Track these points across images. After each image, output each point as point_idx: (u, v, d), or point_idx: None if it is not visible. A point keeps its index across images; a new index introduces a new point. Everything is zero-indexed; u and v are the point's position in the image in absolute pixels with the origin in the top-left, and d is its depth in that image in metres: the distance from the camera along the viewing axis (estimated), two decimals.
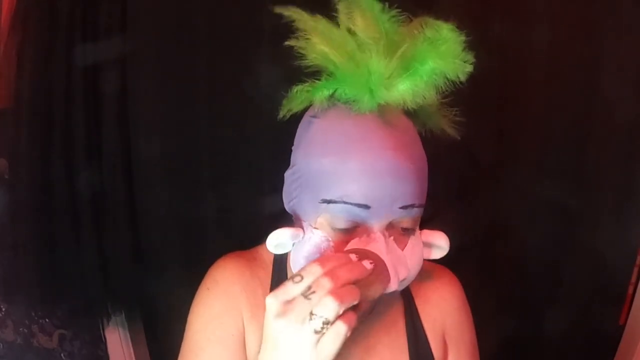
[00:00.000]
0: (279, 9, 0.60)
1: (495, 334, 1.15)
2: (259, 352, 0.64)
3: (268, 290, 0.71)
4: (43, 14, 1.00)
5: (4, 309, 1.05)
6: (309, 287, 0.48)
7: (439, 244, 0.64)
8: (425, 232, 0.63)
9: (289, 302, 0.48)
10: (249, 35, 1.09)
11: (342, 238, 0.59)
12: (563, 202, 1.18)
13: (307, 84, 0.61)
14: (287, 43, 0.60)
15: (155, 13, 1.09)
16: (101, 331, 1.26)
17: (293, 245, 0.62)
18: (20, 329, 1.08)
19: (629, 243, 1.22)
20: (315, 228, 0.60)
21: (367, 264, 0.51)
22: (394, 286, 0.56)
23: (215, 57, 1.12)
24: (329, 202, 0.57)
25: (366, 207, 0.57)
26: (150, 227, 1.18)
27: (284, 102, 0.63)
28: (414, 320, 0.73)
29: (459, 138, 0.66)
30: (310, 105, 0.64)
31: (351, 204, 0.57)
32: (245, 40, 1.09)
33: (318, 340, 0.47)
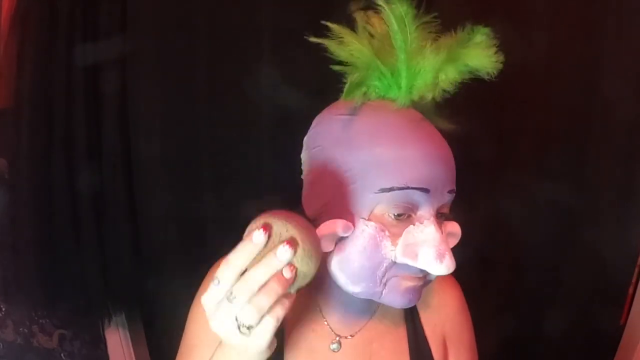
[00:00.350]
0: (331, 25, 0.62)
1: (495, 334, 1.15)
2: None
3: None
4: (43, 14, 1.00)
5: (4, 309, 1.05)
6: (231, 292, 0.49)
7: (457, 232, 0.66)
8: (446, 222, 0.65)
9: (218, 303, 0.50)
10: (249, 35, 1.09)
11: (397, 227, 0.59)
12: (563, 202, 1.18)
13: (357, 76, 0.62)
14: (318, 40, 0.61)
15: (155, 13, 1.09)
16: (101, 331, 1.26)
17: (336, 244, 0.60)
18: (20, 329, 1.08)
19: (629, 243, 1.22)
20: (368, 220, 0.59)
21: (284, 250, 0.49)
22: (449, 269, 0.58)
23: (215, 57, 1.12)
24: (389, 189, 0.58)
25: (426, 190, 0.58)
26: (150, 227, 1.18)
27: (346, 90, 0.64)
28: (415, 326, 0.73)
29: (452, 128, 0.67)
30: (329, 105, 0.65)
31: (414, 188, 0.58)
32: (245, 40, 1.09)
33: (249, 335, 0.49)
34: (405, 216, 0.59)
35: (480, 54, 0.62)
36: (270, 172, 1.14)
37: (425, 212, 0.59)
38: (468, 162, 1.17)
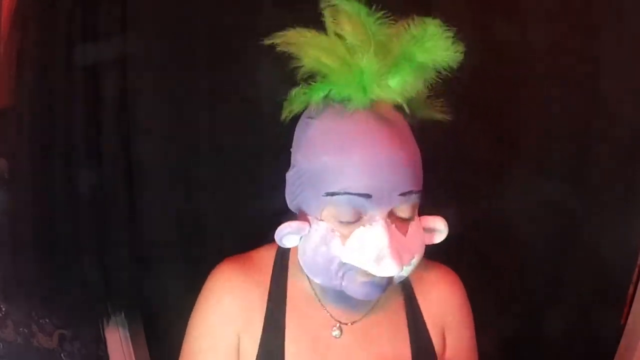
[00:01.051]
0: (267, 41, 0.65)
1: (495, 334, 1.15)
2: (254, 355, 0.69)
3: (266, 294, 0.73)
4: (43, 14, 1.00)
5: (4, 309, 1.05)
6: None
7: (439, 228, 0.67)
8: (425, 217, 0.67)
9: None
10: (249, 35, 1.09)
11: (346, 228, 0.62)
12: (563, 202, 1.18)
13: (304, 87, 0.64)
14: (279, 48, 0.64)
15: (155, 13, 1.09)
16: (101, 331, 1.26)
17: (300, 239, 0.65)
18: (20, 329, 1.08)
19: (629, 243, 1.22)
20: (320, 220, 0.63)
21: None
22: (398, 271, 0.61)
23: (215, 57, 1.12)
24: (332, 194, 0.61)
25: (368, 196, 0.60)
26: (150, 227, 1.17)
27: (285, 104, 0.66)
28: (415, 315, 0.75)
29: (446, 122, 0.68)
30: (306, 108, 0.67)
31: (353, 194, 0.61)
32: (245, 40, 1.09)
33: None
34: (356, 217, 0.62)
35: (435, 48, 0.61)
36: (270, 172, 1.14)
37: (377, 214, 0.61)
38: (468, 162, 1.18)
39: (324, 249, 0.63)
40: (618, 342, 1.27)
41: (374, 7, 0.63)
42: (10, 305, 1.05)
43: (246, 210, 1.15)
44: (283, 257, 0.75)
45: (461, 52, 0.62)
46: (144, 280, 1.18)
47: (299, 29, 0.64)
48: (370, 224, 0.61)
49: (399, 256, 0.61)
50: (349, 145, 0.61)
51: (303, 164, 0.65)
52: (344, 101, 0.63)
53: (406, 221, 0.64)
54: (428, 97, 0.67)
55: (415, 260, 0.65)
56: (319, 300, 0.73)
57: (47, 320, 1.14)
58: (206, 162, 1.17)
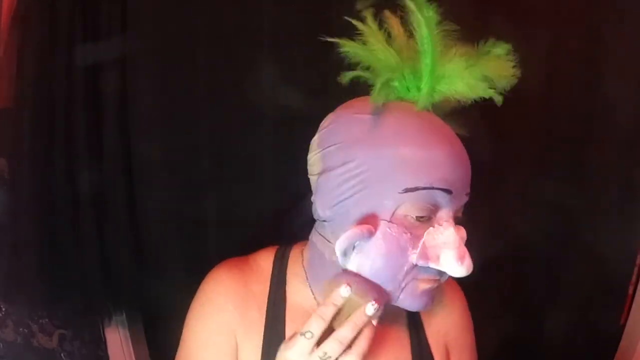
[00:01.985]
0: (349, 19, 0.63)
1: (495, 334, 1.15)
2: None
3: (265, 304, 0.71)
4: (43, 13, 1.00)
5: (4, 309, 1.05)
6: (325, 352, 0.54)
7: (464, 236, 0.66)
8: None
9: (308, 355, 0.54)
10: (250, 35, 1.09)
11: (416, 229, 0.60)
12: (563, 201, 1.18)
13: (385, 78, 0.62)
14: (342, 48, 0.63)
15: (155, 13, 1.09)
16: (101, 331, 1.26)
17: (354, 247, 0.60)
18: (20, 329, 1.08)
19: (629, 243, 1.22)
20: (386, 221, 0.59)
21: (372, 308, 0.56)
22: (468, 270, 0.60)
23: (216, 57, 1.12)
24: (414, 189, 0.58)
25: (449, 192, 0.60)
26: (150, 227, 1.17)
27: (376, 92, 0.62)
28: (417, 331, 0.73)
29: (464, 134, 0.68)
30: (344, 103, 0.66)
31: (438, 188, 0.59)
32: (246, 40, 1.10)
33: None
34: (426, 218, 0.60)
35: (498, 66, 0.63)
36: (270, 172, 1.14)
37: (445, 213, 0.61)
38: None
39: (395, 254, 0.59)
40: (618, 342, 1.27)
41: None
42: (10, 305, 1.05)
43: (246, 211, 1.15)
44: (281, 264, 0.73)
45: (518, 77, 0.65)
46: (144, 280, 1.18)
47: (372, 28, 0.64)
48: (440, 224, 0.60)
49: (465, 258, 0.60)
50: (430, 140, 0.60)
51: (365, 160, 0.60)
52: (404, 99, 0.64)
53: (456, 224, 0.63)
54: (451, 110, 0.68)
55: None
56: None
57: (47, 320, 1.14)
58: (206, 162, 1.17)
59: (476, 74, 0.63)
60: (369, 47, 0.63)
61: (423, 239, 0.59)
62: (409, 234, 0.59)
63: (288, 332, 0.69)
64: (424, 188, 0.58)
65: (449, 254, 0.59)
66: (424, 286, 0.61)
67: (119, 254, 1.14)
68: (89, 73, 1.05)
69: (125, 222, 1.14)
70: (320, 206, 0.64)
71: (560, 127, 1.17)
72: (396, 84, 0.64)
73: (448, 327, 0.76)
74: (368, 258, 0.59)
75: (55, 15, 1.00)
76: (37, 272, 1.06)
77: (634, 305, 1.25)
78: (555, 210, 1.20)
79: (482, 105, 1.15)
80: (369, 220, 0.59)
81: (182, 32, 1.11)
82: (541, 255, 1.24)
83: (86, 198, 1.08)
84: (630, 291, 1.26)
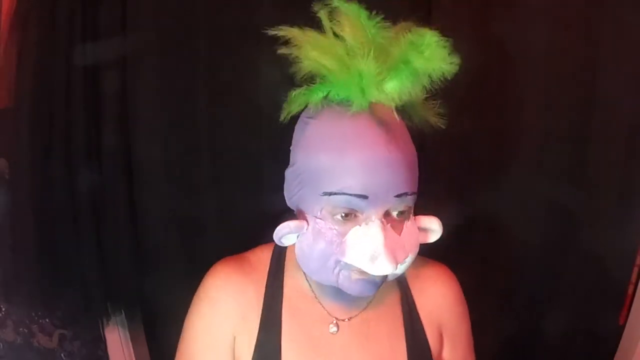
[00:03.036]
0: (272, 31, 0.65)
1: (495, 333, 1.15)
2: (251, 354, 0.70)
3: (262, 294, 0.74)
4: (43, 13, 1.00)
5: (4, 309, 1.05)
6: None
7: (433, 228, 0.69)
8: (419, 217, 0.68)
9: None
10: (249, 35, 1.09)
11: (343, 226, 0.64)
12: (563, 202, 1.18)
13: (303, 88, 0.65)
14: (280, 51, 0.65)
15: (155, 13, 1.09)
16: (101, 331, 1.26)
17: (298, 237, 0.67)
18: (20, 329, 1.08)
19: (628, 243, 1.22)
20: (318, 218, 0.64)
21: None
22: (392, 270, 0.62)
23: (215, 57, 1.12)
24: (330, 194, 0.63)
25: (364, 197, 0.62)
26: (150, 227, 1.18)
27: (284, 105, 0.67)
28: (410, 311, 0.76)
29: (444, 127, 0.69)
30: (306, 107, 0.68)
31: (350, 194, 0.62)
32: (246, 40, 1.09)
33: None
34: (352, 216, 0.63)
35: (433, 57, 0.62)
36: (270, 172, 1.14)
37: (373, 213, 0.63)
38: (468, 162, 1.18)
39: (321, 247, 0.64)
40: (618, 342, 1.27)
41: (373, 10, 0.64)
42: (10, 305, 1.05)
43: (246, 210, 1.15)
44: (280, 256, 0.76)
45: (457, 64, 0.62)
46: (144, 280, 1.18)
47: (301, 28, 0.65)
48: (367, 224, 0.63)
49: (394, 255, 0.63)
50: (346, 146, 0.62)
51: (301, 163, 0.66)
52: (343, 102, 0.64)
53: (401, 221, 0.65)
54: (426, 99, 0.68)
55: (409, 259, 0.66)
56: (316, 297, 0.74)
57: (47, 320, 1.14)
58: (206, 162, 1.17)
59: (409, 70, 0.62)
60: (313, 49, 0.64)
61: (346, 236, 0.63)
62: (334, 230, 0.64)
63: (284, 318, 0.72)
64: (337, 194, 0.62)
65: (364, 252, 0.62)
66: (357, 276, 0.65)
67: (119, 254, 1.14)
68: (88, 73, 1.05)
69: (125, 222, 1.14)
70: (286, 198, 0.71)
71: (560, 127, 1.17)
72: (337, 86, 0.65)
73: (442, 311, 0.78)
74: (302, 247, 0.66)
75: (55, 15, 1.00)
76: (37, 272, 1.06)
77: (633, 306, 1.25)
78: (555, 211, 1.20)
79: (482, 105, 1.15)
80: (305, 216, 0.66)
81: (182, 31, 1.11)
82: (541, 256, 1.24)
83: (86, 198, 1.08)
84: (630, 291, 1.26)
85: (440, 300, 0.78)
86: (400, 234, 0.65)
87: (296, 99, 0.66)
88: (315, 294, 0.74)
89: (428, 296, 0.78)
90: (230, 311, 0.72)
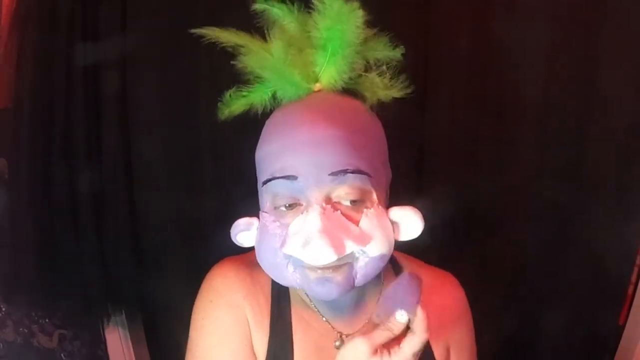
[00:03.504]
0: (198, 31, 0.71)
1: (494, 333, 1.15)
2: (265, 355, 0.67)
3: (269, 295, 0.71)
4: (43, 13, 1.00)
5: (4, 309, 1.05)
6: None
7: (410, 221, 0.63)
8: (392, 208, 0.63)
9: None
10: (250, 34, 1.09)
11: (287, 217, 0.61)
12: (562, 201, 1.18)
13: (241, 88, 0.68)
14: (233, 62, 0.69)
15: (155, 13, 1.09)
16: (101, 331, 1.26)
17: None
18: (20, 329, 1.08)
19: (628, 243, 1.22)
20: (264, 212, 0.63)
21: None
22: (329, 256, 0.56)
23: (215, 57, 1.12)
24: (265, 182, 0.62)
25: (294, 177, 0.59)
26: (150, 227, 1.18)
27: (220, 105, 0.69)
28: None
29: (405, 96, 0.68)
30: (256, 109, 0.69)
31: (279, 177, 0.60)
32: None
33: None
34: (296, 206, 0.61)
35: (339, 17, 0.63)
36: None
37: (309, 199, 0.59)
38: (468, 162, 1.18)
39: (267, 241, 0.62)
40: (617, 342, 1.27)
41: (373, 13, 0.65)
42: (10, 305, 1.05)
43: (246, 210, 1.15)
44: None
45: (360, 16, 0.62)
46: (144, 280, 1.18)
47: (234, 31, 0.69)
48: (307, 211, 0.59)
49: (333, 241, 0.56)
50: (276, 133, 0.63)
51: (255, 161, 0.67)
52: (287, 99, 0.66)
53: (357, 209, 0.60)
54: (387, 80, 0.67)
55: (371, 251, 0.59)
56: (318, 311, 0.71)
57: (47, 320, 1.14)
58: (206, 162, 1.17)
59: (335, 47, 0.64)
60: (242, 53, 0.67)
61: (289, 227, 0.60)
62: (277, 222, 0.61)
63: (294, 328, 0.69)
64: (269, 180, 0.61)
65: (296, 239, 0.58)
66: (313, 274, 0.60)
67: (119, 254, 1.14)
68: (88, 73, 1.05)
69: (125, 223, 1.14)
70: None
71: (559, 126, 1.17)
72: (273, 85, 0.67)
73: (448, 323, 0.75)
74: (256, 247, 0.65)
75: (55, 15, 1.00)
76: (37, 272, 1.06)
77: (633, 306, 1.25)
78: (555, 210, 1.20)
79: (482, 104, 1.15)
80: (259, 212, 0.65)
81: (182, 32, 1.11)
82: (541, 255, 1.24)
83: (86, 198, 1.08)
84: (630, 291, 1.26)
85: (446, 311, 0.75)
86: (357, 224, 0.59)
87: (235, 99, 0.68)
88: (317, 308, 0.71)
89: (434, 307, 0.71)
90: (244, 310, 0.69)
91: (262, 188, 0.63)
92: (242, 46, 0.68)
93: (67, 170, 1.06)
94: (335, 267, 0.59)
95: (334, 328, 0.70)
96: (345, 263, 0.60)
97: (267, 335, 0.69)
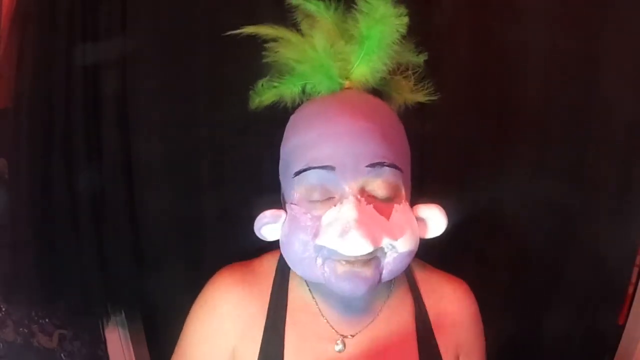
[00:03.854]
0: (247, 30, 0.71)
1: (494, 333, 1.15)
2: None
3: (266, 305, 0.71)
4: (43, 13, 1.00)
5: (4, 309, 1.05)
6: None
7: (435, 219, 0.63)
8: (418, 206, 0.64)
9: None
10: (249, 35, 1.09)
11: (320, 209, 0.60)
12: (562, 201, 1.18)
13: (273, 80, 0.68)
14: (264, 60, 0.69)
15: (155, 13, 1.09)
16: (101, 331, 1.26)
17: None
18: (20, 329, 1.08)
19: (628, 243, 1.22)
20: (294, 204, 0.62)
21: None
22: (367, 247, 0.56)
23: (215, 57, 1.12)
24: (298, 173, 0.61)
25: (331, 168, 0.59)
26: (150, 227, 1.17)
27: (251, 93, 0.70)
28: (425, 329, 0.72)
29: (432, 102, 0.71)
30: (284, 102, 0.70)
31: (316, 167, 0.59)
32: (246, 39, 1.09)
33: None
34: (327, 198, 0.60)
35: (384, 18, 0.63)
36: (270, 172, 1.14)
37: (344, 191, 0.59)
38: (468, 162, 1.18)
39: (297, 234, 0.61)
40: (618, 342, 1.27)
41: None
42: (10, 305, 1.05)
43: (246, 211, 1.14)
44: (285, 266, 0.72)
45: (405, 15, 0.63)
46: (144, 280, 1.18)
47: (271, 25, 0.69)
48: (341, 202, 0.59)
49: (369, 232, 0.56)
50: (312, 123, 0.62)
51: (282, 154, 0.67)
52: (318, 93, 0.67)
53: (389, 204, 0.61)
54: (413, 84, 0.70)
55: (400, 246, 0.60)
56: (320, 312, 0.70)
57: (47, 320, 1.14)
58: (206, 162, 1.17)
59: (372, 46, 0.64)
60: (275, 46, 0.68)
61: (322, 218, 0.59)
62: (309, 215, 0.60)
63: (287, 334, 0.69)
64: (304, 170, 0.60)
65: (332, 229, 0.58)
66: (342, 268, 0.60)
67: (119, 254, 1.14)
68: (88, 73, 1.05)
69: (125, 222, 1.14)
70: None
71: (559, 127, 1.17)
72: (306, 79, 0.67)
73: (459, 330, 0.74)
74: (282, 240, 0.64)
75: (55, 15, 1.00)
76: (37, 272, 1.06)
77: (633, 306, 1.25)
78: (555, 210, 1.20)
79: (483, 104, 1.15)
80: (285, 205, 0.65)
81: (182, 32, 1.11)
82: (541, 255, 1.24)
83: (86, 198, 1.08)
84: (630, 291, 1.26)
85: (457, 318, 0.74)
86: (388, 219, 0.59)
87: (266, 89, 0.68)
88: (319, 308, 0.70)
89: (444, 314, 0.73)
90: (230, 324, 0.70)
91: (294, 179, 0.61)
92: (278, 39, 0.68)
93: (67, 170, 1.06)
94: (364, 261, 0.60)
95: (335, 330, 0.69)
96: (373, 257, 0.60)
97: (259, 345, 0.68)
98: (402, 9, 0.64)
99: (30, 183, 1.03)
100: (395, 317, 0.71)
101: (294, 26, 0.70)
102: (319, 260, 0.61)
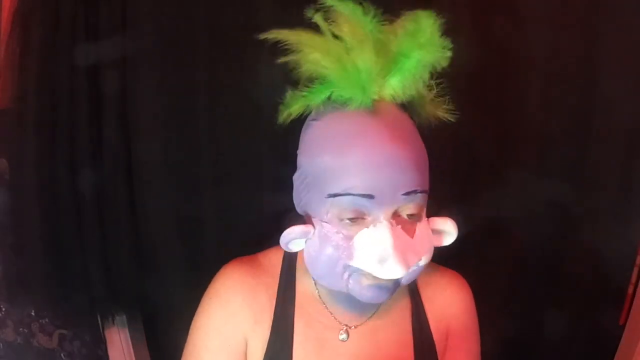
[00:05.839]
0: (263, 36, 0.66)
1: (495, 334, 1.15)
2: (263, 356, 0.69)
3: (274, 295, 0.73)
4: (44, 14, 1.00)
5: (4, 309, 1.05)
6: None
7: (447, 230, 0.66)
8: (433, 219, 0.66)
9: None
10: (249, 35, 1.09)
11: (350, 229, 0.62)
12: (563, 201, 1.18)
13: (302, 89, 0.64)
14: (280, 60, 0.64)
15: (156, 13, 1.09)
16: (101, 331, 1.26)
17: (306, 242, 0.65)
18: (20, 329, 1.08)
19: (628, 243, 1.22)
20: (325, 222, 0.62)
21: None
22: (403, 273, 0.59)
23: (216, 57, 1.12)
24: (334, 195, 0.60)
25: (370, 196, 0.60)
26: (151, 228, 1.17)
27: (281, 107, 0.66)
28: (420, 320, 0.75)
29: (453, 120, 0.69)
30: (310, 110, 0.66)
31: (356, 195, 0.60)
32: (246, 40, 1.09)
33: None
34: (360, 219, 0.61)
35: (429, 43, 0.62)
36: (270, 172, 1.14)
37: (378, 215, 0.60)
38: (468, 162, 1.18)
39: (329, 252, 0.62)
40: (618, 342, 1.27)
41: (369, 6, 0.63)
42: (11, 305, 1.05)
43: (246, 211, 1.15)
44: (291, 259, 0.75)
45: (449, 48, 0.62)
46: (144, 280, 1.18)
47: (295, 30, 0.64)
48: (375, 225, 0.61)
49: (404, 258, 0.60)
50: (349, 145, 0.61)
51: (306, 167, 0.65)
52: (346, 103, 0.63)
53: (413, 222, 0.63)
54: (434, 96, 0.67)
55: (422, 262, 0.63)
56: (324, 304, 0.73)
57: (47, 320, 1.14)
58: (206, 162, 1.17)
59: (409, 64, 0.62)
60: (304, 52, 0.63)
61: (354, 239, 0.61)
62: (341, 234, 0.61)
63: (295, 324, 0.71)
64: (341, 195, 0.60)
65: (372, 254, 0.60)
66: (367, 282, 0.63)
67: (119, 254, 1.14)
68: (89, 73, 1.05)
69: (126, 223, 1.14)
70: (295, 204, 0.69)
71: (560, 127, 1.18)
72: (336, 87, 0.63)
73: (450, 318, 0.76)
74: (309, 253, 0.64)
75: (57, 15, 1.00)
76: (39, 273, 1.06)
77: (633, 306, 1.25)
78: (555, 211, 1.20)
79: (482, 105, 1.15)
80: (312, 220, 0.64)
81: (182, 32, 1.11)
82: (541, 256, 1.24)
83: (87, 198, 1.08)
84: (630, 291, 1.26)
85: (448, 308, 0.76)
86: (412, 236, 0.62)
87: (295, 100, 0.65)
88: (323, 300, 0.73)
89: (438, 304, 0.76)
90: (242, 313, 0.71)
91: (328, 199, 0.61)
92: (305, 46, 0.64)
93: (68, 170, 1.06)
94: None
95: (338, 321, 0.72)
96: None
97: (268, 333, 0.71)
98: (448, 43, 0.62)
99: (31, 183, 1.03)
100: (395, 309, 0.74)
101: (308, 27, 0.66)
102: (345, 275, 0.63)
